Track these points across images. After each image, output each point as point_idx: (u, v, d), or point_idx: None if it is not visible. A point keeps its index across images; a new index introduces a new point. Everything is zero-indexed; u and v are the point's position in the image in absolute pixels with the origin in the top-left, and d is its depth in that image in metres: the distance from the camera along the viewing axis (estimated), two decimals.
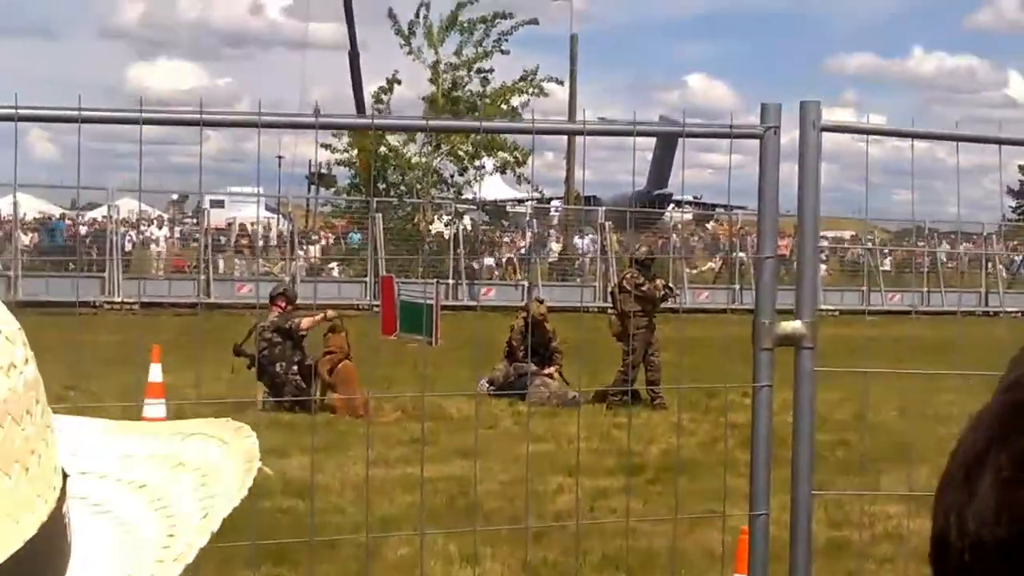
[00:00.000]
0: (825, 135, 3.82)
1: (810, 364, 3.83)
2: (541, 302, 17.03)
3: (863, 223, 39.00)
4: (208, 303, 28.22)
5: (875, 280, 38.31)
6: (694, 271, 41.30)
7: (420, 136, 36.07)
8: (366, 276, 33.42)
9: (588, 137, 4.17)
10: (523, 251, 39.49)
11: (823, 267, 41.04)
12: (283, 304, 15.21)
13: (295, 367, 14.58)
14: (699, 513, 8.17)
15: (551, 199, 47.83)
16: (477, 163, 38.95)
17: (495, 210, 43.42)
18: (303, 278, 32.66)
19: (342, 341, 14.34)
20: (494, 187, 38.97)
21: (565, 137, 28.21)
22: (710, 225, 50.67)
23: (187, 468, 0.89)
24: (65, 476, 0.85)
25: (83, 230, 39.68)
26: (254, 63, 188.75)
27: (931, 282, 37.63)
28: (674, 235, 41.38)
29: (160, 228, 41.67)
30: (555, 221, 45.91)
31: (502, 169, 39.31)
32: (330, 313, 15.04)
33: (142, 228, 44.02)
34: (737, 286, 36.05)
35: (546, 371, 15.96)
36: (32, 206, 39.91)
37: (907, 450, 7.57)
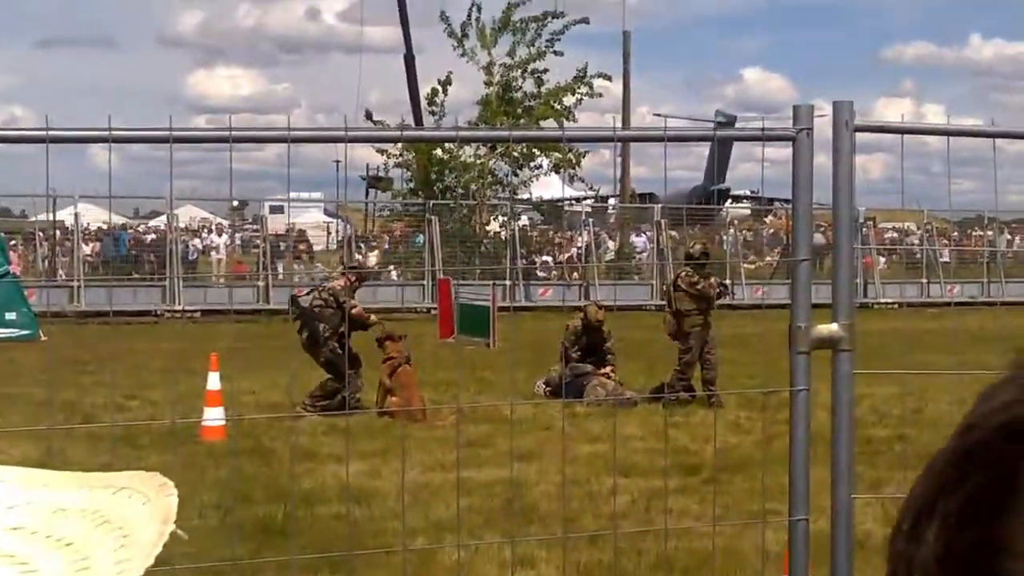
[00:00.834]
0: None
1: (848, 367, 3.78)
2: (600, 307, 16.99)
3: (920, 215, 38.51)
4: (267, 309, 28.43)
5: (934, 272, 37.87)
6: (753, 267, 41.01)
7: None
8: (423, 279, 33.45)
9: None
10: (579, 251, 39.34)
11: (881, 260, 40.66)
12: (352, 278, 15.73)
13: (336, 340, 14.54)
14: (752, 512, 8.13)
15: (607, 197, 47.63)
16: (533, 164, 38.98)
17: (551, 209, 43.28)
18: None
19: (401, 346, 14.43)
20: (551, 186, 38.80)
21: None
22: (768, 219, 50.25)
23: (111, 526, 0.89)
24: None
25: (149, 238, 40.10)
26: (311, 68, 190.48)
27: (991, 272, 37.19)
28: (731, 230, 41.07)
29: (220, 235, 41.97)
30: (611, 219, 45.70)
31: (555, 168, 39.24)
32: (373, 318, 15.07)
33: (202, 235, 44.50)
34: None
35: (602, 371, 15.93)
36: (95, 216, 40.33)
37: None
